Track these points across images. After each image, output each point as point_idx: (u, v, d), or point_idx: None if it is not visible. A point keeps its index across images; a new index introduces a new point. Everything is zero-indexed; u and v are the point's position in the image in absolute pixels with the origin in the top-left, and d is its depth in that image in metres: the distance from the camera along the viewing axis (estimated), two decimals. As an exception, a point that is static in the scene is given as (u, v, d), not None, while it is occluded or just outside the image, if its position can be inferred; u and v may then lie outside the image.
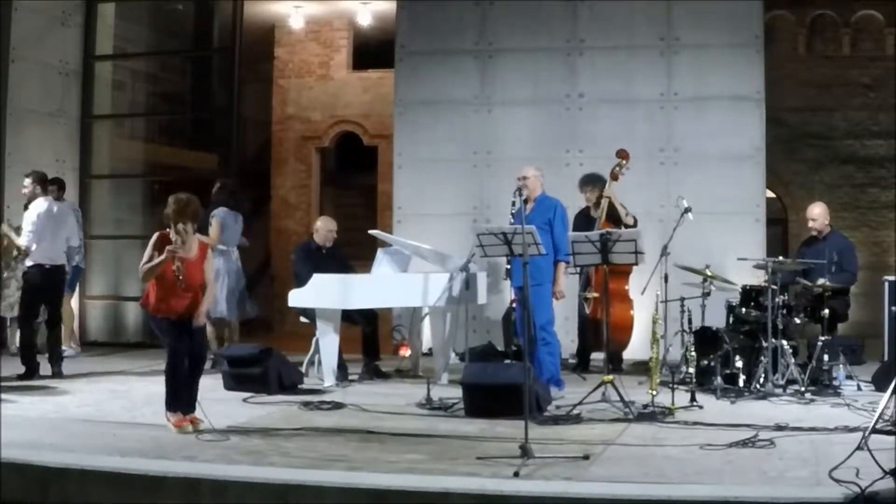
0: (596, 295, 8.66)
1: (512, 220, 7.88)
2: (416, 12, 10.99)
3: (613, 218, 8.84)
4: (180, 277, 6.29)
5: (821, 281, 8.17)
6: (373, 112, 16.14)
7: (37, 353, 8.66)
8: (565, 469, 5.23)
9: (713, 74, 10.30)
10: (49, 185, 9.23)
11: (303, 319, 8.92)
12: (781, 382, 7.75)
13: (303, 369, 8.61)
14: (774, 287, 7.88)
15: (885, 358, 8.81)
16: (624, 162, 8.92)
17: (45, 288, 8.72)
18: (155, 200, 14.19)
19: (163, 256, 6.24)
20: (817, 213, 8.89)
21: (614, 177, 8.94)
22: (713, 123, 10.27)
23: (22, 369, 8.49)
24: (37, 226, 8.62)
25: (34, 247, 8.60)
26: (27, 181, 9.02)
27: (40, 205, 8.78)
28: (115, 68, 13.04)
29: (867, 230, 14.86)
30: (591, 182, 9.15)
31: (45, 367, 8.61)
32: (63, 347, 9.26)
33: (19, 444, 5.67)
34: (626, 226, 8.75)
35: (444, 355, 8.71)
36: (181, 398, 6.39)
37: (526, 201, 7.94)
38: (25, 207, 9.12)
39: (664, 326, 7.90)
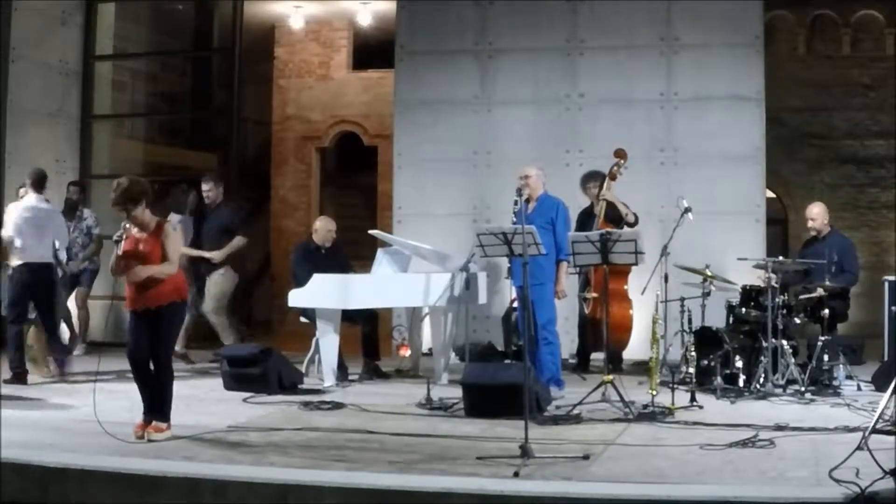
0: (595, 295, 8.66)
1: (514, 220, 7.88)
2: (416, 12, 10.98)
3: (613, 218, 8.85)
4: (135, 257, 6.14)
5: (820, 292, 8.16)
6: (373, 112, 16.14)
7: (23, 357, 8.49)
8: (565, 469, 5.23)
9: (713, 74, 10.29)
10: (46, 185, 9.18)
11: (303, 319, 8.92)
12: (781, 382, 7.75)
13: (303, 369, 8.61)
14: (774, 284, 7.89)
15: (885, 358, 8.81)
16: (622, 161, 8.93)
17: (32, 287, 8.57)
18: (155, 201, 14.17)
19: (117, 247, 6.15)
20: (816, 213, 8.90)
21: (612, 176, 8.94)
22: (713, 123, 10.26)
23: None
24: (17, 224, 8.51)
25: (16, 242, 8.54)
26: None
27: (23, 202, 8.68)
28: (115, 68, 13.05)
29: (867, 230, 14.86)
30: (593, 178, 9.16)
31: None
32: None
33: (19, 444, 5.67)
34: (627, 224, 8.76)
35: (444, 355, 8.71)
36: (144, 403, 6.21)
37: (528, 201, 7.95)
38: (69, 212, 9.19)
39: (664, 326, 7.90)
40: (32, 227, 8.55)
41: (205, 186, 9.96)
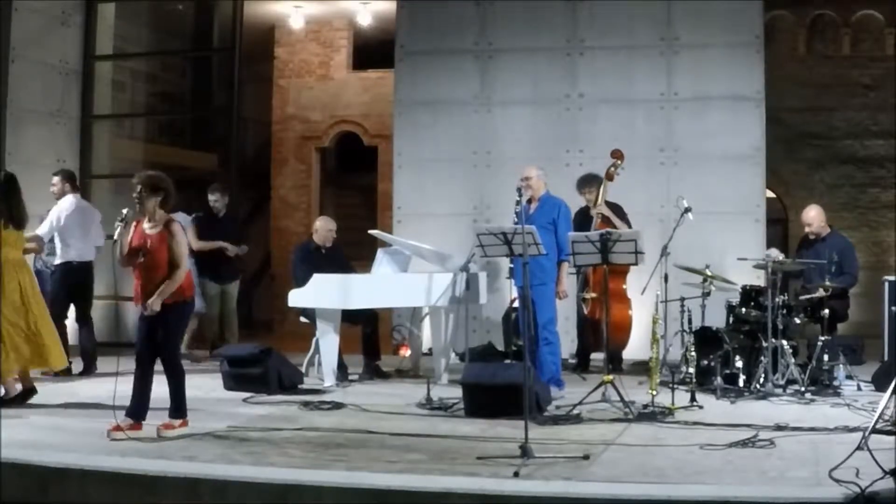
0: (594, 295, 8.67)
1: (515, 220, 7.87)
2: (416, 12, 10.98)
3: (611, 222, 8.84)
4: (143, 253, 6.18)
5: (821, 292, 8.15)
6: (373, 112, 16.14)
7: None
8: (565, 469, 5.23)
9: (713, 74, 10.29)
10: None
11: (303, 319, 8.92)
12: (781, 382, 7.75)
13: (303, 369, 8.61)
14: (775, 284, 7.89)
15: (885, 358, 8.81)
16: (619, 162, 8.93)
17: (74, 285, 8.79)
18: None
19: (119, 230, 6.18)
20: (813, 217, 8.88)
21: (609, 177, 8.95)
22: (713, 123, 10.26)
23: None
24: (63, 223, 8.68)
25: (46, 239, 8.70)
26: (56, 179, 9.07)
27: (68, 201, 8.81)
28: (115, 68, 13.04)
29: (867, 230, 14.86)
30: (589, 182, 9.16)
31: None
32: None
33: (19, 444, 5.67)
34: None
35: (444, 355, 8.71)
36: (132, 401, 6.22)
37: (530, 201, 7.96)
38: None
39: (664, 326, 7.90)
40: (78, 226, 8.70)
41: (212, 196, 10.30)
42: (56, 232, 8.79)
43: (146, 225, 6.26)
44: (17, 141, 10.87)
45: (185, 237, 6.36)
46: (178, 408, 6.27)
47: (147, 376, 6.25)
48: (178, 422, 6.23)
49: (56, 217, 8.76)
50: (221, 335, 10.38)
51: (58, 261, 8.82)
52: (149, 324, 6.22)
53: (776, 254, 8.53)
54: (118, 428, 6.05)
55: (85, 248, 8.84)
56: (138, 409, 6.20)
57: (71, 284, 8.83)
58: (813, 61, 15.17)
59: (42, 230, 8.78)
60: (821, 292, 8.17)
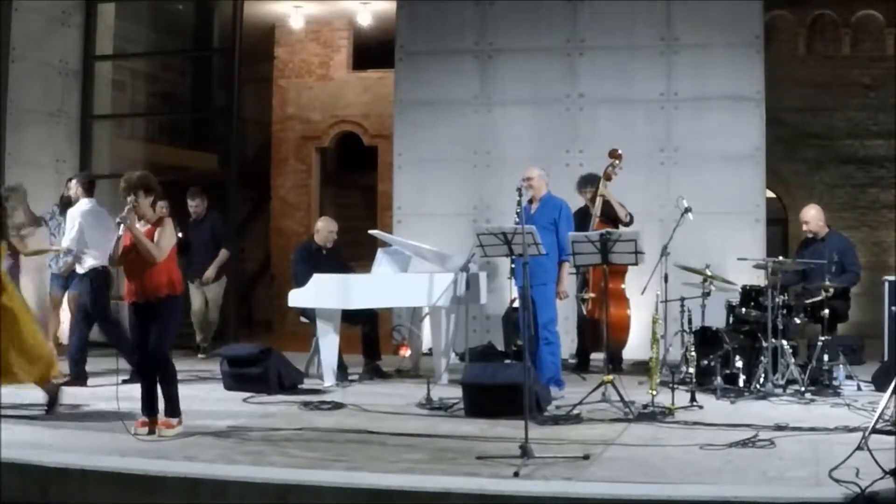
0: (593, 295, 8.68)
1: (517, 220, 7.87)
2: (416, 12, 10.99)
3: (610, 216, 8.86)
4: (133, 249, 6.17)
5: (823, 292, 8.14)
6: (373, 112, 16.15)
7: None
8: (565, 469, 5.23)
9: (713, 74, 10.29)
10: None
11: (303, 319, 8.92)
12: (781, 382, 7.75)
13: (303, 369, 8.61)
14: (775, 284, 7.89)
15: (885, 358, 8.82)
16: (617, 162, 8.94)
17: (106, 290, 8.69)
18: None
19: (119, 232, 6.16)
20: (811, 216, 8.87)
21: (608, 177, 8.96)
22: (713, 123, 10.26)
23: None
24: (82, 228, 8.55)
25: (76, 248, 8.63)
26: (71, 182, 8.94)
27: (81, 206, 8.64)
28: (115, 68, 13.06)
29: (867, 230, 14.87)
30: (589, 182, 9.18)
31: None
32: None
33: (19, 444, 5.67)
34: (623, 225, 8.79)
35: (444, 355, 8.71)
36: (142, 397, 6.27)
37: (531, 201, 7.97)
38: (64, 208, 9.16)
39: (664, 326, 7.90)
40: (98, 231, 8.57)
41: (192, 202, 10.51)
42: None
43: (138, 225, 6.27)
44: (17, 141, 10.87)
45: (174, 235, 6.35)
46: (174, 406, 6.24)
47: (152, 372, 6.28)
48: (175, 420, 6.21)
49: (75, 224, 8.55)
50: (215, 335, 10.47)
51: (85, 267, 8.55)
52: (144, 326, 6.23)
53: None
54: (144, 423, 6.13)
55: (105, 253, 8.70)
56: (151, 404, 6.24)
57: (101, 289, 8.60)
58: (813, 61, 15.18)
59: (66, 241, 8.63)
60: (823, 293, 8.16)
